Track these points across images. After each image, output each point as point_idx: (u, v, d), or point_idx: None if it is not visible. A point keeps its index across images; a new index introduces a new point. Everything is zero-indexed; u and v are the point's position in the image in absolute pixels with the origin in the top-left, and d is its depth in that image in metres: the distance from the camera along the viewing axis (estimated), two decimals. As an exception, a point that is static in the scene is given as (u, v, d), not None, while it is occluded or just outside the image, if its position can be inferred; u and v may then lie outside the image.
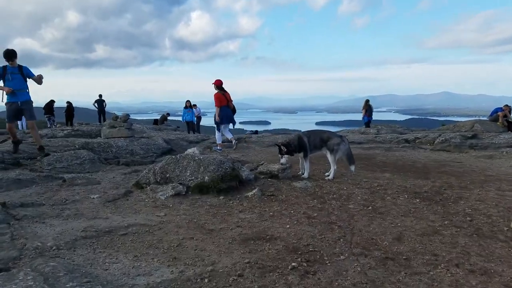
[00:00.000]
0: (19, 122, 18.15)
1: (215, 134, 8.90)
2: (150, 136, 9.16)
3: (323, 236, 3.27)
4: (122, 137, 8.08)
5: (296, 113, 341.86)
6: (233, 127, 9.09)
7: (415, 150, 8.72)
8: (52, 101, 18.55)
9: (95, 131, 9.82)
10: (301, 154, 5.59)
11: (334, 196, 4.64)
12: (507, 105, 14.66)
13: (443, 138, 9.21)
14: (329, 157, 5.50)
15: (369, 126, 18.76)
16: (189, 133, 16.16)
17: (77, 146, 7.67)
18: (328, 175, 5.56)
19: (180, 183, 5.07)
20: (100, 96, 20.46)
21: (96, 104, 20.22)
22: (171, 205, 4.48)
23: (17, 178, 5.81)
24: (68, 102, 19.77)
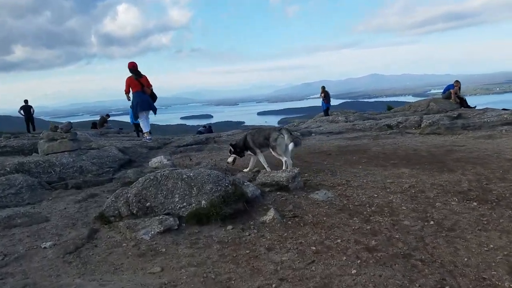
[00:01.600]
0: None
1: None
2: (100, 145, 7.50)
3: (416, 284, 2.29)
4: (65, 151, 6.40)
5: (237, 104, 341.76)
6: (155, 114, 8.14)
7: (404, 136, 8.20)
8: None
9: (28, 145, 7.88)
10: (251, 153, 5.58)
11: (372, 209, 3.71)
12: (457, 81, 14.94)
13: (430, 121, 8.83)
14: (273, 153, 5.29)
15: (328, 114, 18.41)
16: (138, 135, 14.36)
17: (8, 169, 5.88)
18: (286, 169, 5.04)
19: (168, 213, 3.79)
20: (26, 101, 17.55)
21: (22, 111, 17.30)
22: (164, 250, 3.21)
23: None
24: None
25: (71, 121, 7.60)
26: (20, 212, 4.46)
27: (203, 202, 3.80)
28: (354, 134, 8.98)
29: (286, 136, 5.14)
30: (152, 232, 3.52)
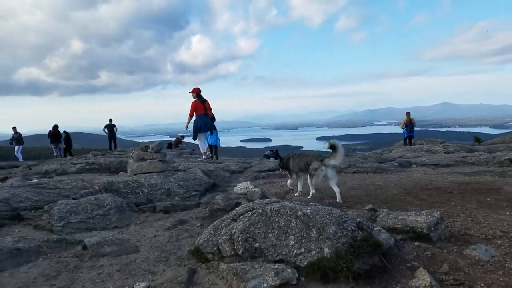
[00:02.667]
0: (16, 149, 16.29)
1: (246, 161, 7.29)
2: (186, 167, 7.16)
3: None
4: (154, 172, 6.11)
5: (296, 129, 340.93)
6: (211, 134, 8.96)
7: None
8: (56, 126, 16.66)
9: (115, 163, 7.86)
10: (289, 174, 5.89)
11: None
12: None
13: None
14: (308, 180, 5.42)
15: (410, 143, 16.81)
16: (211, 158, 14.19)
17: (97, 187, 5.68)
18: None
19: (281, 260, 3.05)
20: (111, 120, 18.54)
21: (106, 130, 18.29)
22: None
23: (15, 247, 3.80)
24: (65, 132, 17.92)
25: (145, 141, 7.51)
26: (109, 238, 4.04)
27: (326, 250, 3.00)
28: (469, 168, 7.61)
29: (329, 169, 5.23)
30: (265, 285, 2.79)
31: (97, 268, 3.52)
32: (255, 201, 4.21)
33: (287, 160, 5.87)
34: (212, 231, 3.63)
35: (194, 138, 8.28)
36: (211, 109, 8.27)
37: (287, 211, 3.35)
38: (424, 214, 3.70)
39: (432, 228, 3.45)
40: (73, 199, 5.39)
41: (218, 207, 5.19)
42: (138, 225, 4.83)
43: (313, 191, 5.43)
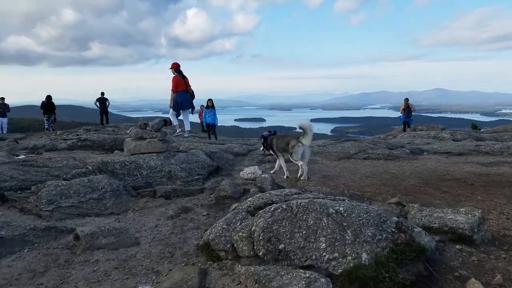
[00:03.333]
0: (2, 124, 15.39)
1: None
2: (188, 148, 6.63)
3: None
4: (153, 152, 5.58)
5: (291, 110, 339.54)
6: (192, 112, 8.47)
7: None
8: (50, 97, 15.76)
9: (109, 141, 7.28)
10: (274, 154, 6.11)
11: None
12: None
13: None
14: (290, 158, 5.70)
15: (404, 129, 16.47)
16: (209, 138, 13.66)
17: (90, 167, 5.16)
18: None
19: (311, 266, 2.62)
20: (102, 94, 17.66)
21: (97, 103, 17.44)
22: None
23: (-3, 235, 3.32)
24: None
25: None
26: (105, 228, 3.56)
27: (363, 255, 2.57)
28: (483, 158, 7.25)
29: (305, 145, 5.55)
30: (295, 296, 2.36)
31: (91, 264, 3.07)
32: (272, 192, 3.75)
33: (271, 141, 6.12)
34: (225, 225, 3.18)
35: (177, 115, 8.01)
36: (190, 85, 7.98)
37: (317, 208, 2.89)
38: (464, 212, 3.29)
39: (475, 230, 3.04)
40: (64, 179, 4.87)
41: (225, 194, 4.74)
42: (137, 212, 4.35)
43: (300, 163, 5.71)
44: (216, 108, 15.10)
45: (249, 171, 5.79)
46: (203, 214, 4.26)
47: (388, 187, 5.41)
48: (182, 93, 7.73)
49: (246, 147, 7.93)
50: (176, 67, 7.76)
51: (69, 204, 4.22)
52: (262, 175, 5.30)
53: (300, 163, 5.68)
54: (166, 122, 9.83)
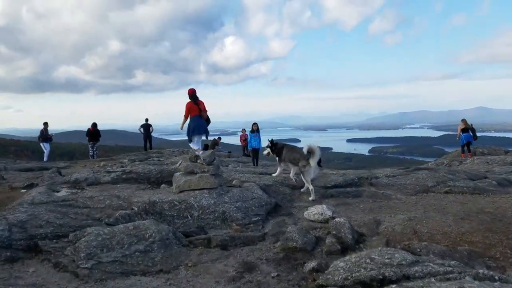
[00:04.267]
0: (45, 150, 15.11)
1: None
2: (241, 182, 5.82)
3: None
4: (205, 188, 4.84)
5: (326, 130, 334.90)
6: (207, 137, 8.53)
7: None
8: (95, 124, 15.74)
9: (155, 173, 6.67)
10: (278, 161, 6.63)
11: None
12: None
13: None
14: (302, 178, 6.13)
15: (467, 150, 14.67)
16: (254, 164, 12.89)
17: (136, 208, 4.48)
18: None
19: None
20: (147, 120, 17.48)
21: (142, 129, 17.26)
22: None
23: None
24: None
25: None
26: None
27: None
28: None
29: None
30: None
31: None
32: (375, 256, 2.76)
33: (281, 150, 6.52)
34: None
35: (189, 141, 7.96)
36: (206, 110, 7.99)
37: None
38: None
39: None
40: (107, 224, 4.20)
41: (294, 245, 3.85)
42: (190, 268, 3.54)
43: (311, 187, 6.05)
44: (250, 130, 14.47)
45: (315, 211, 4.87)
46: (272, 275, 3.37)
47: (497, 234, 4.28)
48: (195, 119, 7.74)
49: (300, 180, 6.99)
50: (190, 93, 7.82)
51: (111, 258, 3.50)
52: (336, 219, 4.34)
53: (310, 187, 6.04)
54: (208, 146, 9.21)
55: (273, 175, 6.78)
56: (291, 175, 6.64)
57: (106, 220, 4.29)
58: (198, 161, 4.99)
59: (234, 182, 5.46)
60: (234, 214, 4.66)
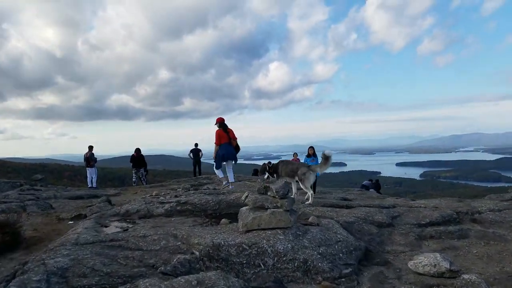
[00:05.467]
0: (88, 176, 14.86)
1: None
2: (318, 219, 4.76)
3: None
4: (278, 228, 3.87)
5: (374, 154, 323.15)
6: (235, 163, 8.54)
7: None
8: (139, 150, 15.49)
9: (212, 204, 5.82)
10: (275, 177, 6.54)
11: None
12: None
13: None
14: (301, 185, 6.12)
15: None
16: (313, 190, 11.74)
17: (197, 253, 3.59)
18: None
19: None
20: (196, 145, 17.00)
21: (191, 155, 16.77)
22: None
23: None
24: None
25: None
26: None
27: None
28: None
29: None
30: None
31: None
32: None
33: (276, 166, 6.53)
34: None
35: (217, 168, 8.23)
36: (236, 138, 8.35)
37: None
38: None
39: None
40: (163, 273, 3.34)
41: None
42: None
43: (310, 192, 6.15)
44: (298, 154, 13.41)
45: (425, 260, 3.67)
46: None
47: None
48: (225, 146, 8.03)
49: (388, 211, 5.77)
50: (219, 122, 8.11)
51: (170, 329, 2.60)
52: (465, 277, 3.14)
53: (310, 192, 6.10)
54: (257, 171, 8.40)
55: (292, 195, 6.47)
56: (293, 191, 6.46)
57: (162, 268, 3.42)
58: (269, 193, 4.04)
59: (310, 219, 4.41)
60: (319, 264, 3.60)
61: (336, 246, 3.92)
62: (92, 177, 14.79)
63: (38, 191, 10.37)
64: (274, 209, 3.92)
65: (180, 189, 7.39)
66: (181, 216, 5.69)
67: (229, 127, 8.15)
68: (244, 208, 4.12)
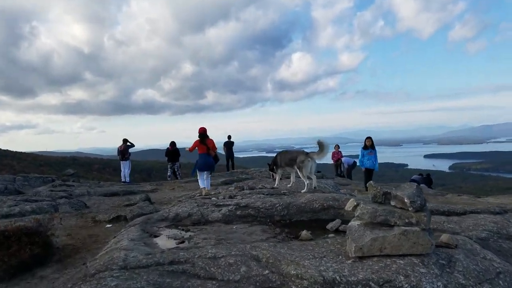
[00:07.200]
0: (122, 170, 14.07)
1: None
2: (452, 239, 3.48)
3: None
4: (413, 254, 2.66)
5: (400, 145, 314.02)
6: (210, 174, 8.91)
7: None
8: (174, 143, 14.56)
9: (280, 209, 4.58)
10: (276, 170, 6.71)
11: None
12: None
13: None
14: (299, 173, 6.06)
15: None
16: (366, 188, 10.39)
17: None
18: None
19: None
20: (229, 137, 15.72)
21: (224, 148, 15.56)
22: None
23: None
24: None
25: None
26: None
27: None
28: None
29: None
30: None
31: None
32: None
33: (275, 158, 6.58)
34: None
35: (192, 174, 8.96)
36: (215, 148, 8.78)
37: None
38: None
39: None
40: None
41: None
42: None
43: (307, 181, 6.02)
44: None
45: None
46: None
47: None
48: (202, 157, 8.40)
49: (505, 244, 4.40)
50: (200, 132, 8.45)
51: None
52: None
53: (306, 181, 5.99)
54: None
55: (274, 186, 6.55)
56: (291, 180, 6.63)
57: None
58: (393, 202, 2.81)
59: (444, 238, 3.12)
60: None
61: (501, 282, 2.66)
62: (125, 171, 14.00)
63: (70, 187, 9.58)
64: (405, 227, 2.68)
65: (233, 188, 6.31)
66: (243, 223, 4.56)
67: (209, 137, 8.53)
68: (355, 223, 2.91)
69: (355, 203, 2.93)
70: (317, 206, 4.69)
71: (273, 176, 6.98)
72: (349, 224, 2.95)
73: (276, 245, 3.28)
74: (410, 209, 2.71)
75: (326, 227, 4.06)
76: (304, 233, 3.79)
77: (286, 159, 6.27)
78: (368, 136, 10.46)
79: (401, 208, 2.77)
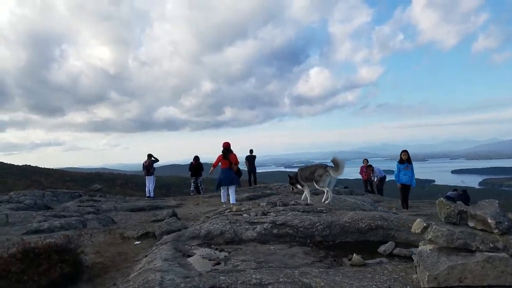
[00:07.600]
0: (147, 185, 14.04)
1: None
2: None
3: None
4: (500, 286, 2.25)
5: (426, 160, 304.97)
6: (235, 189, 8.86)
7: None
8: (197, 158, 14.39)
9: (320, 228, 4.06)
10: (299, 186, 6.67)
11: None
12: None
13: None
14: (316, 186, 6.17)
15: None
16: (405, 206, 9.88)
17: None
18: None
19: None
20: (251, 151, 15.42)
21: (247, 162, 15.24)
22: None
23: None
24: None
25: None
26: None
27: None
28: None
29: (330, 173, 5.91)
30: None
31: None
32: None
33: (295, 174, 6.65)
34: None
35: (216, 190, 9.07)
36: (238, 163, 8.75)
37: None
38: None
39: None
40: None
41: None
42: None
43: (327, 189, 6.04)
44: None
45: None
46: None
47: None
48: (224, 171, 8.37)
49: None
50: (224, 147, 8.43)
51: None
52: None
53: (326, 189, 6.02)
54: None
55: (308, 202, 6.28)
56: (305, 195, 6.61)
57: None
58: (471, 223, 2.41)
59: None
60: None
61: None
62: (150, 186, 13.92)
63: (97, 202, 9.49)
64: (489, 253, 2.28)
65: (265, 204, 5.97)
66: (280, 243, 4.20)
67: (233, 152, 8.50)
68: (426, 247, 2.51)
69: (424, 224, 2.54)
70: (363, 226, 4.27)
71: (292, 189, 7.14)
72: (419, 249, 2.55)
73: (327, 272, 2.91)
74: (495, 231, 2.29)
75: (378, 250, 3.65)
76: (356, 257, 3.40)
77: (307, 174, 6.35)
78: (404, 149, 9.92)
79: (482, 229, 2.37)
